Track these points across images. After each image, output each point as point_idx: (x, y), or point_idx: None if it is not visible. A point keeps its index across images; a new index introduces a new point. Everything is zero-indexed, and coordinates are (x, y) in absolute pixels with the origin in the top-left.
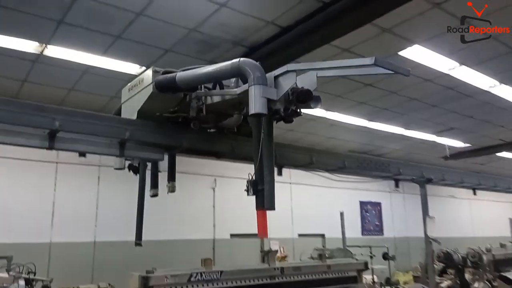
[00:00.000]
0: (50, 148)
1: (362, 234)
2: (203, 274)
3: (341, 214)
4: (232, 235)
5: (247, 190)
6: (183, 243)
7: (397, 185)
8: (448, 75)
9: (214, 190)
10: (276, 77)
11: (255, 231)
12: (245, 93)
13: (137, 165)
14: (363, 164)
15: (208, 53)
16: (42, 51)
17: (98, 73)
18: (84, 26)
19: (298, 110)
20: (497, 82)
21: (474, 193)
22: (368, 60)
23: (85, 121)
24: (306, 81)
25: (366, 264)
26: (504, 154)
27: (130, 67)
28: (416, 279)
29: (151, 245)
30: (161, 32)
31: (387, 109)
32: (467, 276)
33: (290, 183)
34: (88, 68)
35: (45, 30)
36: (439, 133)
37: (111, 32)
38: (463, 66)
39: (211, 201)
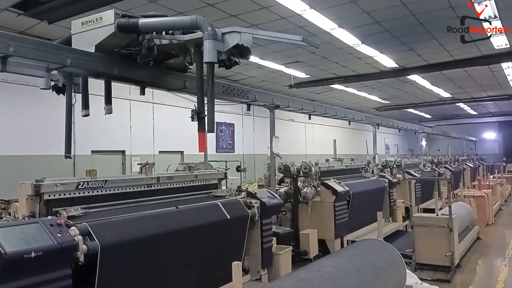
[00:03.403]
0: None
1: (216, 151)
2: (89, 182)
3: None
4: (93, 152)
5: (192, 117)
6: (42, 159)
7: (248, 109)
8: (300, 15)
9: (73, 106)
10: (223, 34)
11: (116, 147)
12: (191, 40)
13: (61, 85)
14: (228, 90)
15: None
16: None
17: None
18: None
19: (238, 60)
20: (336, 26)
21: (309, 118)
22: (298, 37)
23: None
24: (245, 39)
25: (225, 174)
26: (335, 86)
27: None
28: (260, 187)
29: (8, 160)
30: None
31: None
32: (299, 183)
33: (152, 103)
34: None
35: None
36: (286, 64)
37: None
38: (312, 10)
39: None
